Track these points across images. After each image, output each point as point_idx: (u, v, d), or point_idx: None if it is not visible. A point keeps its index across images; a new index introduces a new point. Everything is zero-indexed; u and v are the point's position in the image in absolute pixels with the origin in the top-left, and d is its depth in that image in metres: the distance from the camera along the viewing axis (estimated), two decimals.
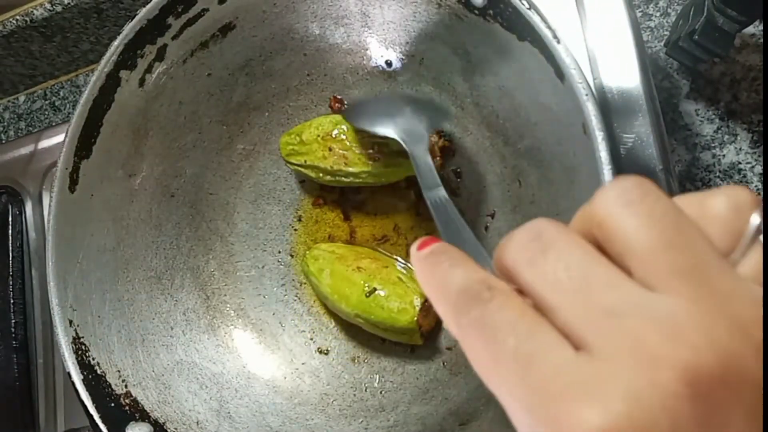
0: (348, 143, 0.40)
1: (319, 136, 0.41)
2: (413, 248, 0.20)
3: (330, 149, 0.40)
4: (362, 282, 0.39)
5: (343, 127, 0.41)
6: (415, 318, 0.38)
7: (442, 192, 0.31)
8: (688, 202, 0.17)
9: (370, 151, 0.40)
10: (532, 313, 0.16)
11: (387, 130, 0.37)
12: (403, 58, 0.42)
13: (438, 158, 0.41)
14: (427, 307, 0.39)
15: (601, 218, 0.16)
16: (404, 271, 0.41)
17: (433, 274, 0.18)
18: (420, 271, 0.19)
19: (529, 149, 0.37)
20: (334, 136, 0.41)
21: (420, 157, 0.35)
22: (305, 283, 0.45)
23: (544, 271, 0.16)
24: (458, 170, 0.42)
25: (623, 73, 0.40)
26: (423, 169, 0.34)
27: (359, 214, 0.45)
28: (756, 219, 0.16)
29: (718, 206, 0.16)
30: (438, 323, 0.41)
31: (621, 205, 0.16)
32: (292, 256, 0.46)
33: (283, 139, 0.43)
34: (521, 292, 0.16)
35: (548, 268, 0.16)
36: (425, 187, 0.33)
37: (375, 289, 0.39)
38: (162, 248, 0.44)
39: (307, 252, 0.44)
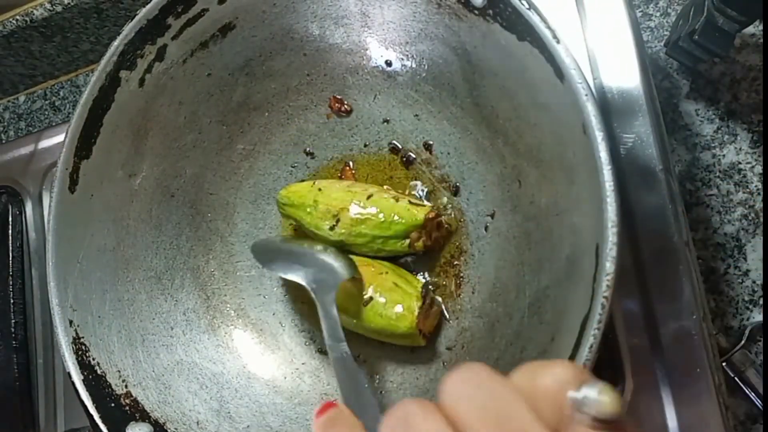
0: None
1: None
2: (314, 413, 0.25)
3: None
4: (358, 292, 0.39)
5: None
6: (415, 323, 0.38)
7: (344, 347, 0.34)
8: (524, 378, 0.20)
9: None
10: None
11: (297, 275, 0.38)
12: (403, 58, 0.42)
13: (431, 238, 0.40)
14: (425, 309, 0.39)
15: (450, 411, 0.20)
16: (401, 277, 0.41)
17: None
18: None
19: (529, 149, 0.37)
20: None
21: (327, 309, 0.36)
22: None
23: None
24: (458, 171, 0.42)
25: (623, 73, 0.40)
26: (328, 321, 0.35)
27: None
28: (573, 395, 0.18)
29: (547, 383, 0.19)
30: (439, 324, 0.41)
31: (459, 399, 0.20)
32: None
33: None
34: None
35: None
36: (329, 339, 0.34)
37: (372, 298, 0.39)
38: (162, 248, 0.44)
39: None
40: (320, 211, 0.41)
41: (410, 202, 0.40)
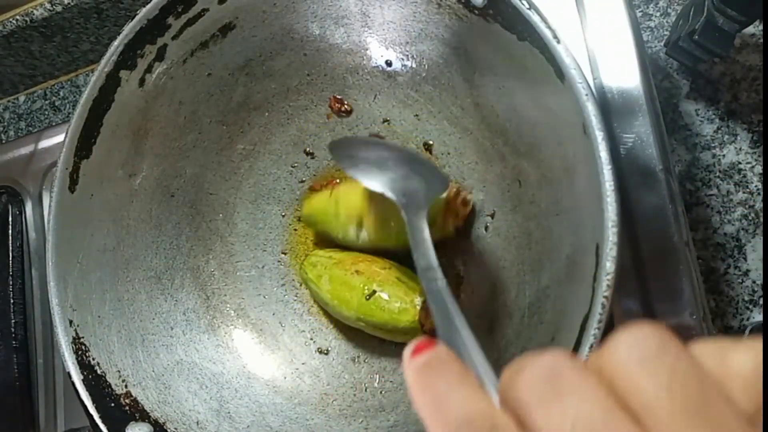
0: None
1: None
2: (406, 353, 0.19)
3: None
4: (362, 285, 0.39)
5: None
6: (417, 317, 0.38)
7: (439, 276, 0.27)
8: (710, 353, 0.15)
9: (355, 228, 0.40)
10: None
11: (382, 184, 0.33)
12: (403, 58, 0.42)
13: (460, 218, 0.40)
14: (427, 306, 0.39)
15: (617, 375, 0.15)
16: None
17: (430, 396, 0.17)
18: (413, 386, 0.18)
19: (529, 149, 0.37)
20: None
21: (419, 230, 0.30)
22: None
23: (560, 420, 0.14)
24: (458, 171, 0.42)
25: (623, 73, 0.40)
26: (421, 245, 0.29)
27: None
28: None
29: (741, 364, 0.15)
30: None
31: (637, 362, 0.15)
32: (292, 256, 0.46)
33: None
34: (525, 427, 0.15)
35: (564, 418, 0.14)
36: (421, 267, 0.28)
37: (375, 291, 0.39)
38: (162, 248, 0.44)
39: (305, 259, 0.44)
40: (342, 220, 0.41)
41: None
